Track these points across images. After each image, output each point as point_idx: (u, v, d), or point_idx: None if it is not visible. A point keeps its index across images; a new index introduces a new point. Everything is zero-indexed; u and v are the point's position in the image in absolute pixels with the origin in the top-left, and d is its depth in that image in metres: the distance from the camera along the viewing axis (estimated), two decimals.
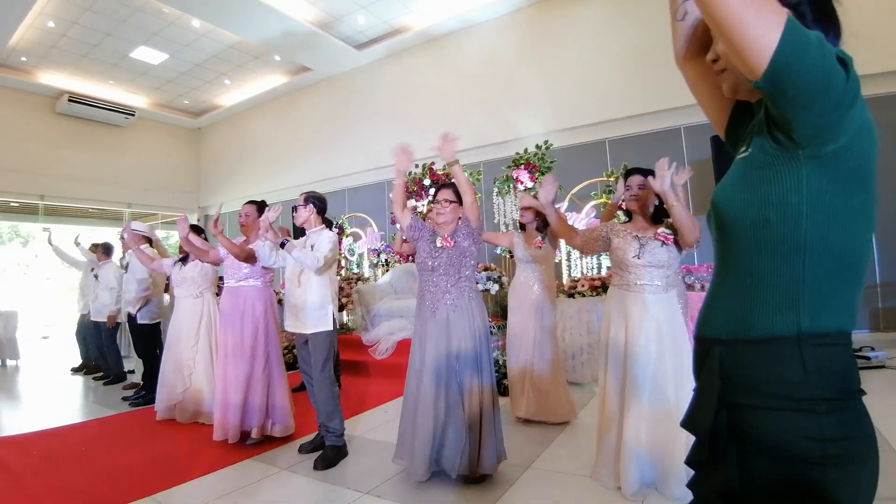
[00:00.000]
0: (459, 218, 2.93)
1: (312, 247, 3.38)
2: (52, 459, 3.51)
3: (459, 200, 2.90)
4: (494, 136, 8.11)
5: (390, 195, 3.04)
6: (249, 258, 3.63)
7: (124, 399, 5.15)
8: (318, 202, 3.54)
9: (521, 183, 6.39)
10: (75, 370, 7.01)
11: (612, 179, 6.31)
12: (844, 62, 0.75)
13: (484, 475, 2.77)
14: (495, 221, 6.92)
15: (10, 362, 7.63)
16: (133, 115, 11.37)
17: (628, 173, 2.79)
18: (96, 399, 5.50)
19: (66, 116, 10.71)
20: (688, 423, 0.97)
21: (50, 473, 3.24)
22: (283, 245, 3.25)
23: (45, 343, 10.34)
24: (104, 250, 6.35)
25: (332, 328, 3.39)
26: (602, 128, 7.44)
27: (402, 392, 2.95)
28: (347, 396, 3.46)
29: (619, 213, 3.45)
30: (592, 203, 6.45)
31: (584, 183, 6.72)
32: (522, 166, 6.43)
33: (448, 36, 8.85)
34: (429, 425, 2.69)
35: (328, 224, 3.66)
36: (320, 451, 3.30)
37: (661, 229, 2.64)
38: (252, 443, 3.63)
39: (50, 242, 6.81)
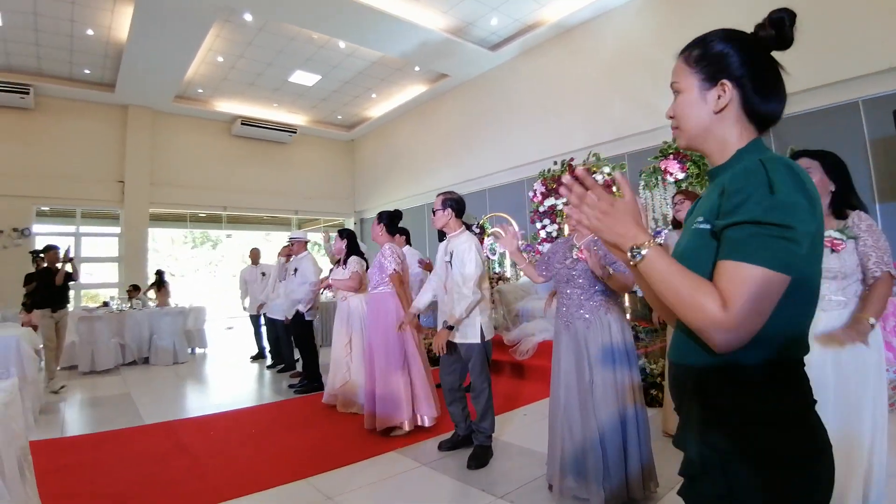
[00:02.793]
0: None
1: (452, 254, 3.37)
2: (225, 440, 4.00)
3: None
4: (639, 124, 7.49)
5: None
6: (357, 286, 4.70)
7: (290, 387, 5.77)
8: (456, 204, 3.46)
9: (671, 174, 5.82)
10: (253, 358, 7.99)
11: None
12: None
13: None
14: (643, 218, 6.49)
15: (198, 350, 8.91)
16: (295, 132, 12.75)
17: (796, 156, 2.36)
18: (269, 385, 6.22)
19: (240, 138, 12.33)
20: (677, 442, 1.10)
21: (222, 452, 3.69)
22: (450, 328, 3.26)
23: (230, 333, 11.84)
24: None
25: (479, 341, 3.29)
26: None
27: (542, 395, 2.89)
28: None
29: None
30: None
31: None
32: (671, 156, 5.83)
33: (582, 26, 8.49)
34: (557, 439, 2.65)
35: (467, 226, 3.60)
36: (458, 450, 3.40)
37: (829, 232, 2.12)
38: (397, 435, 3.84)
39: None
